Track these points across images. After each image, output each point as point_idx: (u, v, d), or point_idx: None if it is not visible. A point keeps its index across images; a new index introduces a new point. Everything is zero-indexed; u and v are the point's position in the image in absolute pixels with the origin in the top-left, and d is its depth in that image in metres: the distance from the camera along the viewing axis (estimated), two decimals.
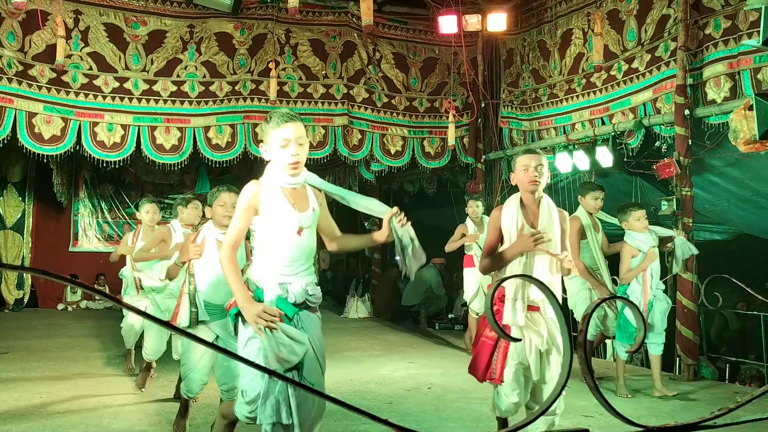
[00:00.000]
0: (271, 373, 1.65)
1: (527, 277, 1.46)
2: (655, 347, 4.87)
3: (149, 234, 5.15)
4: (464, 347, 6.94)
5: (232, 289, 2.53)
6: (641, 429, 1.21)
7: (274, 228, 2.55)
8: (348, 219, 11.61)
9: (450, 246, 6.65)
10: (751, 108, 4.61)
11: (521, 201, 3.16)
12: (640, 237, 4.72)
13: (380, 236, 2.64)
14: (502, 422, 3.24)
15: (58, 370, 5.66)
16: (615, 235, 5.34)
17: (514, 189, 3.25)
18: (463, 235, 6.48)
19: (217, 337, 3.60)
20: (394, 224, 2.59)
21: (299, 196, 2.62)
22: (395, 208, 2.63)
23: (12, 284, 9.65)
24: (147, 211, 5.34)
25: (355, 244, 2.93)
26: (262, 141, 2.67)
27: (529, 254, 3.04)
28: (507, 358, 3.02)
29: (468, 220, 6.54)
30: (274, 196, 2.57)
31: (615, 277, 5.13)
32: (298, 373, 2.52)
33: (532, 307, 3.06)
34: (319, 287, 2.67)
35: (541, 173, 3.12)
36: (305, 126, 2.73)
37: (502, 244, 3.18)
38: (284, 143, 2.53)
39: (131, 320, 5.33)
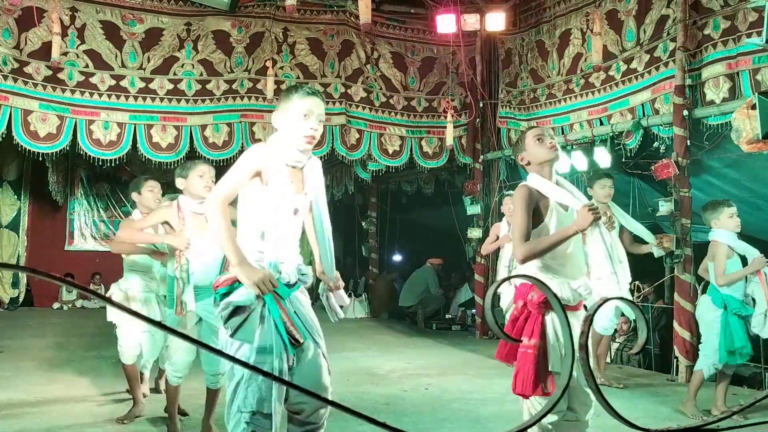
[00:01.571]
0: (259, 371, 1.59)
1: (527, 277, 1.43)
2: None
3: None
4: (460, 347, 6.92)
5: (225, 249, 2.35)
6: (642, 431, 1.19)
7: (271, 204, 2.44)
8: (345, 216, 11.66)
9: (486, 248, 6.36)
10: (753, 107, 4.59)
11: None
12: (732, 237, 4.34)
13: (318, 273, 2.76)
14: None
15: (53, 370, 5.62)
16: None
17: (513, 189, 3.06)
18: (498, 237, 6.03)
19: (200, 319, 3.54)
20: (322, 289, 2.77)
21: (296, 176, 2.55)
22: (335, 281, 2.75)
23: (7, 283, 9.62)
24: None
25: (314, 249, 2.80)
26: (278, 109, 2.56)
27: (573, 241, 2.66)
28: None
29: (504, 219, 6.06)
30: (279, 169, 2.47)
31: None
32: (294, 363, 2.43)
33: (568, 308, 2.67)
34: (310, 267, 2.65)
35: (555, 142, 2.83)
36: None
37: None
38: (308, 113, 2.49)
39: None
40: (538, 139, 2.79)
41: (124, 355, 4.22)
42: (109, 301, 1.07)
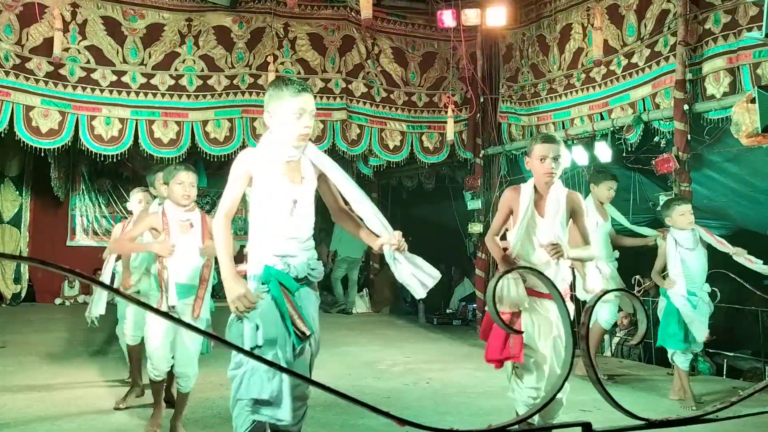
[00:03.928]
0: (253, 356, 1.67)
1: (532, 270, 1.45)
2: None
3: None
4: (461, 341, 6.91)
5: (220, 260, 2.45)
6: (643, 422, 1.21)
7: (270, 202, 2.49)
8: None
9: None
10: (753, 101, 4.59)
11: (535, 187, 3.17)
12: (683, 234, 4.55)
13: (374, 245, 2.54)
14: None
15: (55, 365, 5.65)
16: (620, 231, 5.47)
17: (514, 183, 3.26)
18: None
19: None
20: (389, 254, 2.49)
21: (294, 169, 2.56)
22: (395, 238, 2.48)
23: (9, 278, 9.63)
24: (139, 201, 4.76)
25: (353, 230, 2.70)
26: (264, 109, 2.57)
27: (528, 244, 3.12)
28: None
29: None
30: (271, 168, 2.51)
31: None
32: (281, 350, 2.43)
33: (544, 294, 3.05)
34: (320, 262, 2.63)
35: (558, 164, 3.10)
36: None
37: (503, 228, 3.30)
38: (300, 113, 2.49)
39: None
40: (541, 160, 3.11)
41: (127, 336, 4.46)
42: (117, 291, 1.09)
